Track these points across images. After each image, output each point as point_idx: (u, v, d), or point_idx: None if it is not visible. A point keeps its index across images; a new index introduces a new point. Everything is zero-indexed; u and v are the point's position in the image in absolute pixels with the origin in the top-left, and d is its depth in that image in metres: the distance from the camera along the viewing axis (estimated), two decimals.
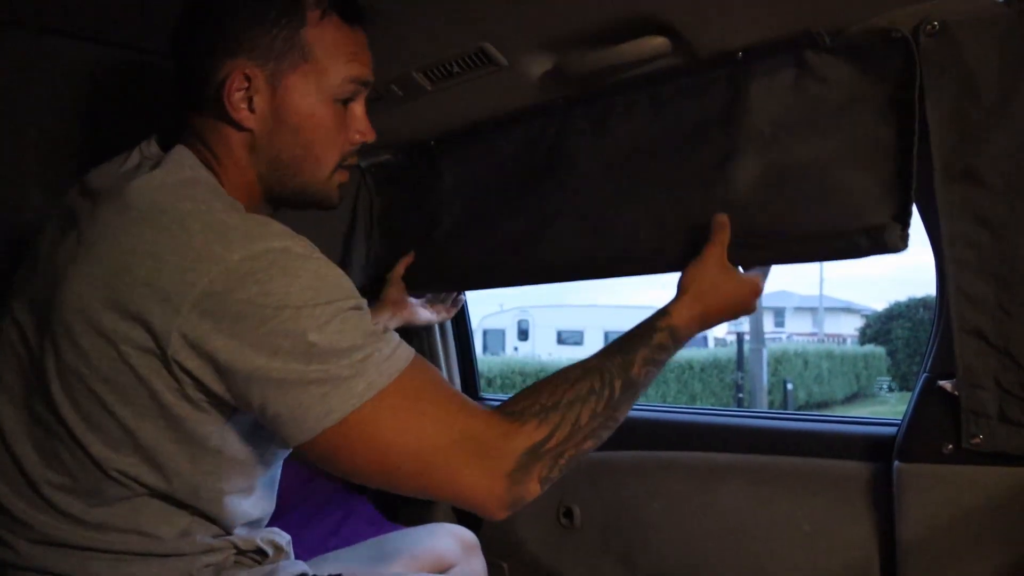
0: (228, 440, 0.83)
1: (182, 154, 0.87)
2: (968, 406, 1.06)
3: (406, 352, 0.82)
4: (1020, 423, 1.03)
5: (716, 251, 1.09)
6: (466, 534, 1.37)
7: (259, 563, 0.91)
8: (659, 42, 1.16)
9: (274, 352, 0.74)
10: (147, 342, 0.75)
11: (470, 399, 0.86)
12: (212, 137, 0.90)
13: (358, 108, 0.95)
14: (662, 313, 1.02)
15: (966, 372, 1.05)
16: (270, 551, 0.91)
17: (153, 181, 0.82)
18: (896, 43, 1.03)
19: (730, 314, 1.08)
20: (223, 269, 0.74)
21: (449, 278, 1.66)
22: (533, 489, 0.84)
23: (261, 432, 0.84)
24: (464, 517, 1.85)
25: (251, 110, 0.88)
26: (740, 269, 1.12)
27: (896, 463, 1.13)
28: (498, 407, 0.86)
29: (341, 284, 0.80)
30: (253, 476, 0.89)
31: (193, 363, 0.75)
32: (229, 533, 0.89)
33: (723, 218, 1.11)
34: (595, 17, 1.13)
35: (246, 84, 0.87)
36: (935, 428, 1.09)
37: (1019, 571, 1.02)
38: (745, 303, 1.09)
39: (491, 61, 1.29)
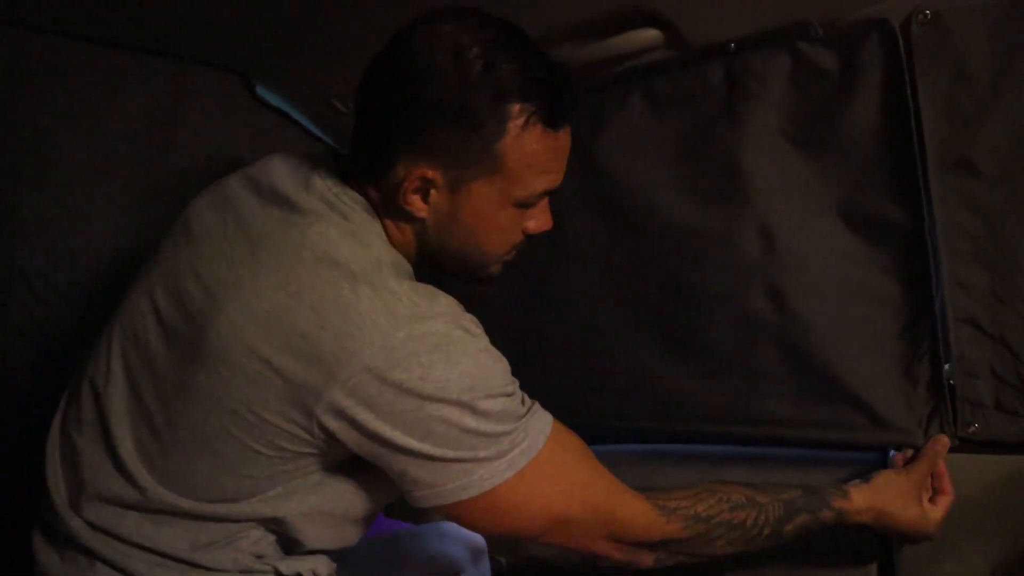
0: (338, 486, 0.84)
1: (361, 210, 0.84)
2: (964, 395, 1.06)
3: (546, 425, 0.83)
4: (1016, 411, 1.03)
5: (920, 471, 1.03)
6: (475, 538, 1.35)
7: None
8: (651, 34, 1.16)
9: (426, 436, 0.75)
10: (292, 395, 0.75)
11: (614, 478, 0.88)
12: (383, 207, 0.86)
13: (542, 202, 0.91)
14: (842, 493, 0.98)
15: (961, 361, 1.05)
16: None
17: (333, 228, 0.80)
18: (888, 33, 1.03)
19: (905, 534, 1.03)
20: (385, 345, 0.73)
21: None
22: (647, 562, 0.90)
23: (376, 484, 0.85)
24: None
25: (426, 202, 0.84)
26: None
27: (892, 452, 1.13)
28: (652, 494, 0.88)
29: (497, 372, 0.80)
30: (344, 518, 0.88)
31: (337, 425, 0.76)
32: (288, 553, 0.87)
33: (943, 443, 1.05)
34: (586, 9, 1.12)
35: (423, 183, 0.82)
36: None
37: (1016, 558, 1.03)
38: (919, 532, 1.02)
39: None
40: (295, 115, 1.55)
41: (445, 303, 0.79)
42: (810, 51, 1.11)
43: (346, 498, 0.86)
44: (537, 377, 1.52)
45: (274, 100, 1.52)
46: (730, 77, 1.19)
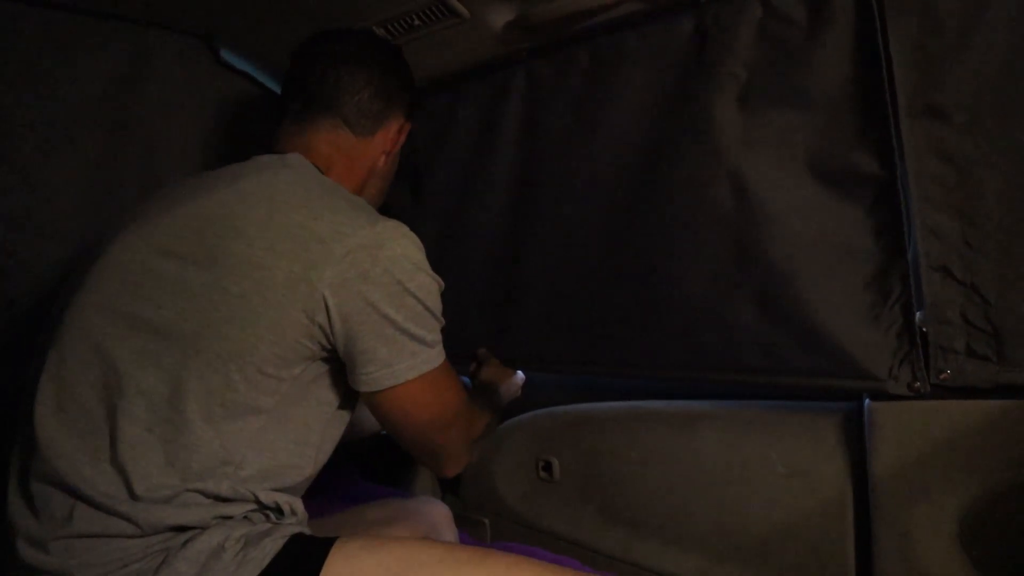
0: (319, 376, 0.93)
1: (304, 161, 1.03)
2: (936, 341, 1.07)
3: None
4: (987, 357, 1.04)
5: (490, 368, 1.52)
6: (441, 507, 1.39)
7: (269, 520, 0.90)
8: None
9: (399, 307, 0.90)
10: (297, 272, 0.85)
11: None
12: (339, 152, 1.09)
13: None
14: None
15: (933, 308, 1.06)
16: (286, 511, 0.91)
17: (292, 170, 0.98)
18: None
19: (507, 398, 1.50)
20: (371, 232, 0.88)
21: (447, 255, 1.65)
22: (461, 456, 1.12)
23: (343, 382, 0.95)
24: (444, 483, 1.86)
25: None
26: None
27: (867, 401, 1.14)
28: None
29: None
30: (319, 425, 0.95)
31: (336, 300, 0.86)
32: (278, 488, 0.90)
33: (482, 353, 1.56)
34: None
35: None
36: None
37: (986, 502, 1.04)
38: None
39: (452, 12, 1.26)
40: (260, 78, 1.53)
41: None
42: (780, 1, 1.10)
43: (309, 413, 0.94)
44: (518, 328, 1.54)
45: (239, 63, 1.49)
46: (700, 29, 1.18)
